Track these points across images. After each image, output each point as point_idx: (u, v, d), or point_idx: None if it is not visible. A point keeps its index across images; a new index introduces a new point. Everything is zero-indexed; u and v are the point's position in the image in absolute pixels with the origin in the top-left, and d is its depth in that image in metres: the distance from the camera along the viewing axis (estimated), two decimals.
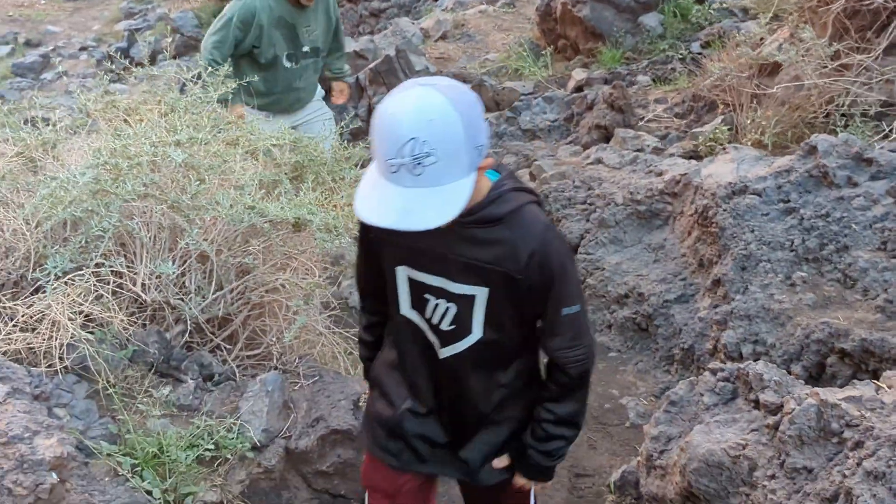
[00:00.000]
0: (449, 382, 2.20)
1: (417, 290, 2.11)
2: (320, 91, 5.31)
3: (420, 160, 1.71)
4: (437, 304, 2.08)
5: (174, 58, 13.93)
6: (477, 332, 2.08)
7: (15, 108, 4.04)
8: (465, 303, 2.04)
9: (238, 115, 4.57)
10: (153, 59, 13.63)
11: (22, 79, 13.34)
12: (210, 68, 4.49)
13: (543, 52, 7.23)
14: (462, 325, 2.08)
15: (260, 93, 4.84)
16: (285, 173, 3.80)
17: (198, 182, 3.36)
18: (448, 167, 1.73)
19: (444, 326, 2.10)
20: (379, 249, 2.14)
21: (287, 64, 4.84)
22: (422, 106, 1.71)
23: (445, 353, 2.14)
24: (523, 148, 5.70)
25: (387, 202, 1.77)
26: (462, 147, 1.73)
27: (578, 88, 6.45)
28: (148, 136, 3.38)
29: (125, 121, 3.90)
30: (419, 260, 2.05)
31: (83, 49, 14.66)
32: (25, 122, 4.26)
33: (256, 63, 4.78)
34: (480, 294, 2.02)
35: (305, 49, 4.87)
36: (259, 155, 3.81)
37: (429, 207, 1.75)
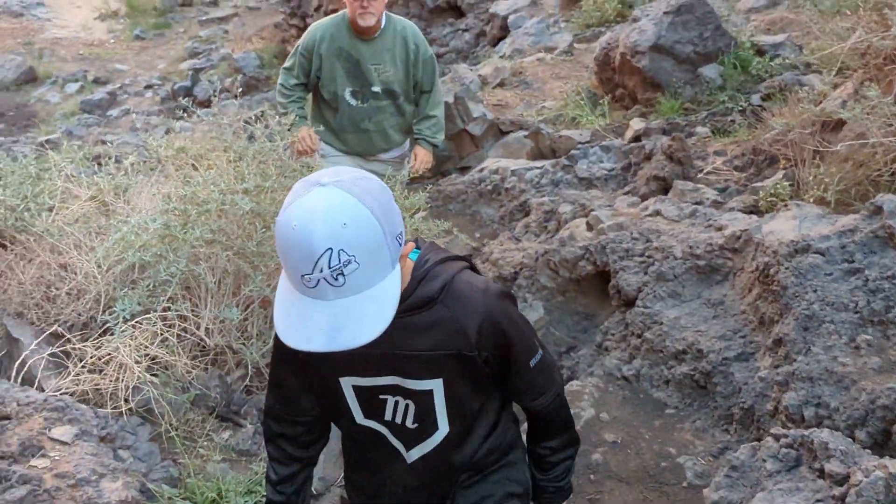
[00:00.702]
0: (418, 483, 2.07)
1: (369, 396, 1.94)
2: (405, 149, 5.06)
3: (340, 270, 1.53)
4: (395, 402, 1.93)
5: (236, 97, 14.28)
6: (443, 427, 1.96)
7: (88, 152, 4.17)
8: (423, 398, 1.90)
9: (302, 136, 4.56)
10: (212, 101, 13.96)
11: (89, 115, 13.76)
12: (280, 94, 4.74)
13: (601, 101, 7.25)
14: (426, 421, 1.95)
15: (332, 130, 4.78)
16: None
17: (263, 229, 3.44)
18: (371, 270, 1.57)
19: (409, 424, 1.96)
20: (314, 368, 1.95)
21: (352, 101, 4.65)
22: (330, 211, 1.52)
23: (413, 455, 2.01)
24: (580, 197, 5.71)
25: (312, 322, 1.58)
26: (382, 244, 1.57)
27: (636, 138, 6.45)
28: (217, 184, 3.47)
29: (193, 166, 4.01)
30: (361, 366, 1.87)
31: (148, 87, 15.10)
32: (95, 159, 4.40)
33: (323, 98, 4.73)
34: (436, 387, 1.89)
35: (375, 89, 4.63)
36: None
37: (360, 318, 1.57)
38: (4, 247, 3.54)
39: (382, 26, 4.55)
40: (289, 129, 4.14)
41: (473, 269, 1.96)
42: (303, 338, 1.57)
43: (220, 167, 3.75)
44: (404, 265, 1.74)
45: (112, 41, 18.08)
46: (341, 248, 1.51)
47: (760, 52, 6.94)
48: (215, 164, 3.82)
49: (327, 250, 1.51)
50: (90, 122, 13.32)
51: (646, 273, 4.49)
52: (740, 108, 6.30)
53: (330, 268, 1.52)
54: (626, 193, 5.74)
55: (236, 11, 19.06)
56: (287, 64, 4.77)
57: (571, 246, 4.89)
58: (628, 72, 7.06)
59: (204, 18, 18.86)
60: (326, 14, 14.02)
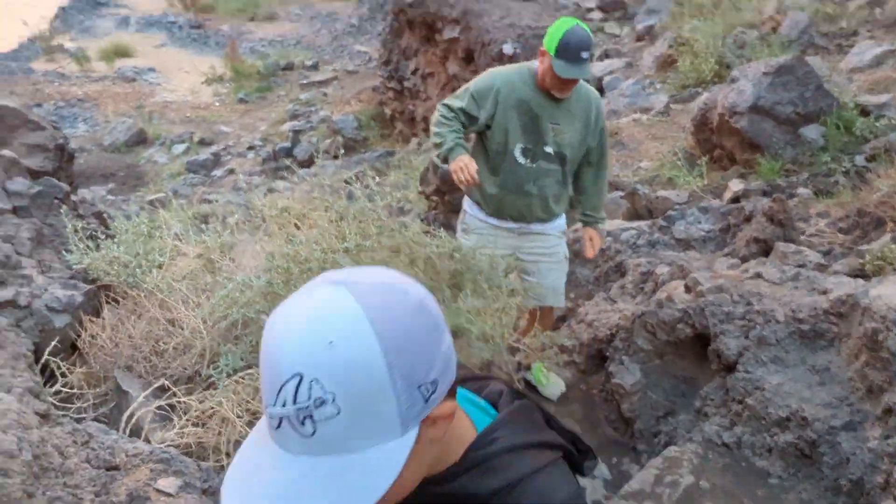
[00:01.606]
0: None
1: None
2: (562, 223, 4.54)
3: (309, 412, 1.01)
4: None
5: (335, 158, 14.61)
6: None
7: (196, 212, 4.34)
8: None
9: (462, 163, 3.98)
10: (311, 161, 14.42)
11: (194, 175, 14.33)
12: (436, 124, 4.20)
13: (698, 162, 7.18)
14: None
15: (489, 182, 4.27)
16: (444, 280, 3.90)
17: None
18: (359, 424, 1.02)
19: None
20: None
21: (521, 159, 4.18)
22: (317, 320, 1.03)
23: None
24: (677, 258, 5.64)
25: (259, 478, 1.06)
26: (383, 390, 1.02)
27: (735, 199, 6.36)
28: (318, 243, 3.56)
29: (296, 225, 4.12)
30: None
31: (251, 148, 15.65)
32: (202, 219, 4.57)
33: (487, 149, 4.24)
34: None
35: (548, 150, 4.17)
36: (420, 262, 3.93)
37: (319, 496, 1.03)
38: (117, 301, 3.69)
39: None
40: (441, 158, 4.02)
41: (570, 457, 1.32)
42: (240, 497, 1.05)
43: (321, 226, 3.85)
44: (450, 428, 1.14)
45: (217, 104, 18.83)
46: (315, 377, 1.00)
47: (864, 112, 6.79)
48: (316, 224, 3.92)
49: (295, 376, 1.01)
50: (195, 182, 13.85)
51: (747, 337, 4.38)
52: (844, 170, 6.15)
53: (296, 403, 1.01)
54: (726, 255, 5.64)
55: (335, 75, 19.67)
56: (449, 101, 4.22)
57: (669, 308, 4.82)
58: (727, 132, 6.99)
59: (304, 82, 19.50)
60: (424, 77, 14.38)
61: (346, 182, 4.27)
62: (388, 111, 15.30)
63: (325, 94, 18.41)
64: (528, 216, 4.33)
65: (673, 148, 7.66)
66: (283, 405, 1.01)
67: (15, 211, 3.54)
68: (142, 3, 25.15)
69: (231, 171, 14.34)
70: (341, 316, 1.02)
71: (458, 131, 4.14)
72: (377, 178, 4.20)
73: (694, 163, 7.25)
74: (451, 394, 1.12)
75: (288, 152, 14.46)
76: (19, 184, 3.62)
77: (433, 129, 4.22)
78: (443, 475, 1.19)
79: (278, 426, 1.03)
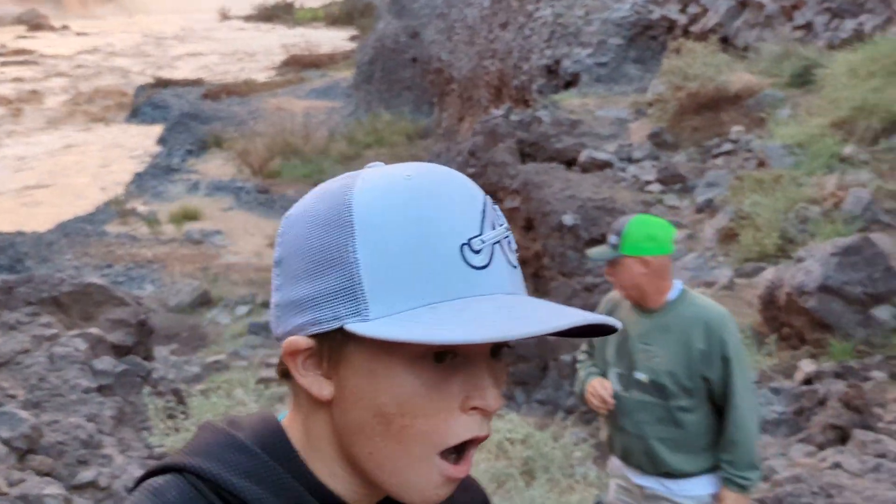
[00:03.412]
0: None
1: None
2: (698, 491, 3.21)
3: (508, 237, 0.91)
4: None
5: None
6: None
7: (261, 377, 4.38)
8: None
9: (591, 388, 3.24)
10: None
11: (256, 336, 14.49)
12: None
13: (766, 341, 7.09)
14: None
15: (607, 415, 3.37)
16: (516, 467, 3.84)
17: None
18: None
19: None
20: None
21: (617, 386, 3.28)
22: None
23: None
24: None
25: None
26: None
27: (807, 381, 6.23)
28: None
29: None
30: None
31: None
32: (266, 384, 4.58)
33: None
34: None
35: (639, 377, 3.21)
36: (491, 446, 3.89)
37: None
38: None
39: (671, 299, 3.24)
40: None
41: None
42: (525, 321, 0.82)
43: None
44: None
45: None
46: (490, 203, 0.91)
47: None
48: None
49: (486, 196, 0.90)
50: (256, 344, 14.00)
51: None
52: None
53: (503, 224, 0.89)
54: (801, 441, 5.48)
55: None
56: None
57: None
58: (795, 311, 6.93)
59: None
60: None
61: None
62: None
63: None
64: (628, 457, 3.32)
65: (739, 325, 7.57)
66: (493, 227, 0.87)
67: (100, 389, 3.64)
68: (211, 169, 26.33)
69: None
70: None
71: (588, 367, 3.46)
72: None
73: (762, 341, 7.16)
74: None
75: None
76: (106, 362, 3.72)
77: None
78: None
79: (489, 261, 0.86)
